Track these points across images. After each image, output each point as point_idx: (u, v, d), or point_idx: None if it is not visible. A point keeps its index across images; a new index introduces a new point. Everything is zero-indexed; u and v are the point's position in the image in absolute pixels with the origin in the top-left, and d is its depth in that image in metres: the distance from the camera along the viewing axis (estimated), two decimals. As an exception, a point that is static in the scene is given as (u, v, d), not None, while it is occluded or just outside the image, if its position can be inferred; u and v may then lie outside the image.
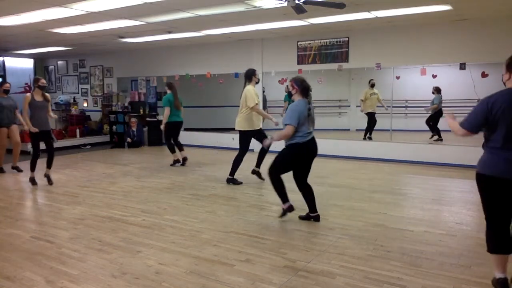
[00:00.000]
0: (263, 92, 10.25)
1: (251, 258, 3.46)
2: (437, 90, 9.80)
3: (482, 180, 2.76)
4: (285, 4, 5.33)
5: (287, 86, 6.78)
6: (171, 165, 7.97)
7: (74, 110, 12.58)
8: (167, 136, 7.98)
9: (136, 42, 10.07)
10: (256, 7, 6.13)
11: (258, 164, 6.35)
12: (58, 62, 13.89)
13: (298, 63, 9.22)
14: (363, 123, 10.05)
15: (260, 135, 6.12)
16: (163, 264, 3.36)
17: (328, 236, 3.96)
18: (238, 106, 6.21)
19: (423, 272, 3.13)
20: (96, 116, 12.70)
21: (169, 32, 8.59)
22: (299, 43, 9.19)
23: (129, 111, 11.46)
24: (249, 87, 6.08)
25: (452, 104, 10.00)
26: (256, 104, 6.01)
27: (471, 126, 2.76)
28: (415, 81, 10.32)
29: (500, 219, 2.73)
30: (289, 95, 4.43)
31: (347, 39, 8.63)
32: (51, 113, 6.49)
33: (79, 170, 7.71)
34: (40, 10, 6.32)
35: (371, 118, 9.81)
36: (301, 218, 4.48)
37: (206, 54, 10.55)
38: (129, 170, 7.65)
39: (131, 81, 12.47)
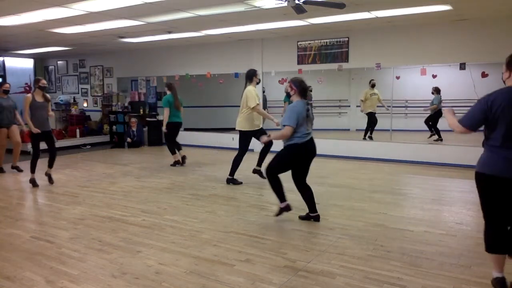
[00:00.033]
0: (263, 92, 10.25)
1: (251, 258, 3.46)
2: (436, 91, 9.81)
3: (481, 180, 2.75)
4: (285, 4, 5.33)
5: (286, 86, 6.79)
6: (171, 165, 7.97)
7: (74, 110, 12.58)
8: (167, 137, 7.97)
9: (136, 42, 10.07)
10: (256, 7, 6.13)
11: (259, 163, 6.35)
12: (58, 62, 13.89)
13: (298, 63, 9.22)
14: (363, 123, 10.05)
15: (260, 134, 6.13)
16: (163, 264, 3.36)
17: (328, 236, 3.96)
18: (238, 106, 6.21)
19: (423, 272, 3.13)
20: (96, 116, 12.70)
21: (169, 32, 8.59)
22: (299, 43, 9.19)
23: (129, 111, 11.46)
24: (250, 88, 6.08)
25: (452, 104, 9.97)
26: (258, 104, 6.02)
27: (469, 123, 2.74)
28: (415, 81, 10.33)
29: (499, 219, 2.72)
30: (288, 96, 4.43)
31: (347, 39, 8.63)
32: (50, 112, 6.47)
33: (79, 170, 7.71)
34: (40, 10, 6.32)
35: (371, 118, 9.81)
36: (301, 218, 4.48)
37: (206, 54, 10.55)
38: (129, 170, 7.65)
39: (131, 81, 12.48)
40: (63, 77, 13.91)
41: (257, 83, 6.28)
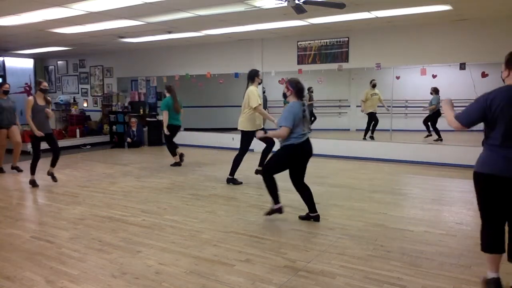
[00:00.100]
0: (264, 92, 10.25)
1: (251, 258, 3.46)
2: (435, 91, 9.82)
3: (480, 179, 2.73)
4: (285, 4, 5.33)
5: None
6: (172, 165, 7.97)
7: (74, 110, 12.58)
8: (167, 138, 7.98)
9: (136, 42, 10.07)
10: (256, 7, 6.13)
11: (261, 164, 6.35)
12: (58, 62, 13.89)
13: (298, 63, 9.22)
14: (363, 123, 10.05)
15: None
16: (163, 264, 3.36)
17: (328, 236, 3.96)
18: (238, 106, 6.22)
19: (423, 272, 3.13)
20: (96, 116, 12.70)
21: (169, 32, 8.59)
22: (299, 43, 9.19)
23: (129, 111, 11.47)
24: (252, 88, 6.09)
25: (453, 107, 9.98)
26: (259, 104, 6.02)
27: (466, 121, 2.72)
28: (415, 81, 10.33)
29: (497, 218, 2.70)
30: (284, 97, 4.43)
31: (347, 39, 8.63)
32: (50, 112, 6.42)
33: (79, 170, 7.71)
34: (40, 10, 6.32)
35: (372, 118, 9.80)
36: (301, 218, 4.48)
37: (206, 54, 10.55)
38: (129, 170, 7.65)
39: (131, 81, 12.47)
40: (63, 77, 13.91)
41: (259, 83, 6.28)
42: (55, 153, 6.37)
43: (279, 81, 10.39)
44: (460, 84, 9.62)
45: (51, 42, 9.95)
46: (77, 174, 7.32)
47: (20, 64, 13.17)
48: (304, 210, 4.49)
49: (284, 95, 4.41)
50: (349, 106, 12.54)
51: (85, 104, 13.34)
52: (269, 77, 9.85)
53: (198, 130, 11.30)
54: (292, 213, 4.67)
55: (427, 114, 10.03)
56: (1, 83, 7.90)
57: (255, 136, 5.20)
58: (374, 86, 9.86)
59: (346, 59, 8.67)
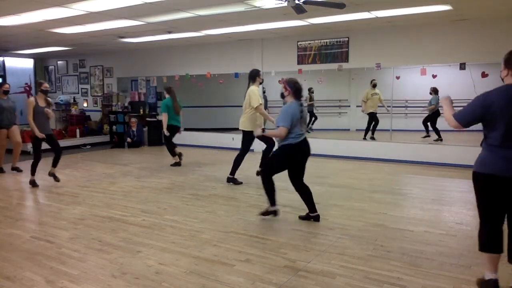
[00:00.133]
0: (264, 92, 10.25)
1: (251, 258, 3.46)
2: (434, 91, 9.82)
3: (480, 179, 2.72)
4: (285, 4, 5.33)
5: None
6: (172, 165, 7.97)
7: (74, 110, 12.58)
8: (166, 139, 7.98)
9: (136, 42, 10.07)
10: (256, 7, 6.13)
11: (262, 165, 6.35)
12: (58, 62, 13.89)
13: (298, 63, 9.22)
14: (363, 123, 10.05)
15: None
16: (163, 264, 3.36)
17: (328, 236, 3.96)
18: (238, 106, 6.22)
19: (423, 272, 3.13)
20: (96, 116, 12.70)
21: (169, 32, 8.59)
22: (299, 43, 9.19)
23: (129, 111, 11.46)
24: (253, 88, 6.10)
25: (453, 105, 9.99)
26: (260, 104, 6.03)
27: (464, 120, 2.70)
28: (415, 81, 10.33)
29: (495, 218, 2.69)
30: (282, 97, 4.43)
31: (347, 39, 8.63)
32: (50, 112, 6.40)
33: (79, 170, 7.71)
34: (40, 10, 6.32)
35: (372, 118, 9.78)
36: (301, 218, 4.48)
37: (206, 54, 10.55)
38: (129, 170, 7.65)
39: (131, 81, 12.48)
40: (63, 77, 13.91)
41: (260, 83, 6.29)
42: (57, 154, 6.37)
43: (279, 81, 10.39)
44: (460, 84, 9.61)
45: (51, 42, 9.95)
46: (77, 174, 7.32)
47: (20, 64, 13.17)
48: (304, 210, 4.49)
49: (282, 95, 4.41)
50: (349, 106, 12.55)
51: (85, 104, 13.34)
52: (269, 77, 9.85)
53: (198, 130, 11.30)
54: (292, 213, 4.67)
55: (427, 115, 10.03)
56: (1, 83, 7.91)
57: (255, 134, 5.20)
58: (374, 86, 9.85)
59: (346, 59, 8.67)
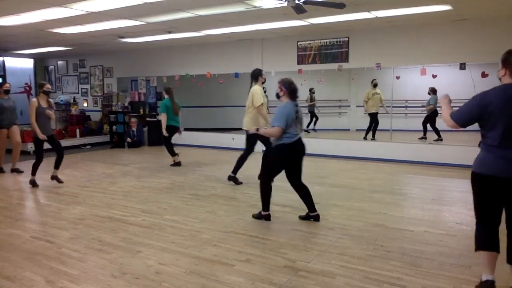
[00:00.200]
0: (264, 92, 10.23)
1: (251, 258, 3.46)
2: (432, 91, 9.82)
3: (478, 180, 2.71)
4: (285, 4, 5.33)
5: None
6: (171, 165, 7.97)
7: (74, 110, 12.57)
8: (165, 139, 7.98)
9: (136, 42, 10.07)
10: (256, 7, 6.14)
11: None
12: (58, 62, 13.89)
13: (298, 63, 9.22)
14: (363, 123, 10.05)
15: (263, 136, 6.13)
16: (163, 264, 3.36)
17: (328, 236, 3.96)
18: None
19: (423, 272, 3.13)
20: (96, 116, 12.70)
21: (169, 32, 8.59)
22: (299, 43, 9.19)
23: (129, 111, 11.46)
24: (256, 87, 6.10)
25: (452, 105, 9.98)
26: (261, 104, 6.03)
27: (461, 119, 2.69)
28: (415, 81, 10.32)
29: (492, 219, 2.69)
30: (277, 97, 4.43)
31: (347, 39, 8.63)
32: (51, 113, 6.39)
33: (79, 170, 7.71)
34: (40, 10, 6.32)
35: (373, 119, 9.78)
36: (301, 218, 4.48)
37: (206, 54, 10.55)
38: (129, 170, 7.65)
39: (131, 81, 12.47)
40: (63, 77, 13.91)
41: (263, 82, 6.30)
42: (59, 154, 6.35)
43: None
44: (460, 84, 9.61)
45: (51, 42, 9.95)
46: (77, 174, 7.32)
47: (20, 64, 13.17)
48: (304, 210, 4.49)
49: (278, 96, 4.42)
50: (349, 106, 12.54)
51: (85, 104, 13.34)
52: (269, 77, 9.83)
53: (198, 130, 11.30)
54: (292, 213, 4.67)
55: (426, 115, 10.02)
56: (1, 82, 7.90)
57: (249, 132, 5.18)
58: (375, 85, 9.86)
59: (346, 59, 8.67)
